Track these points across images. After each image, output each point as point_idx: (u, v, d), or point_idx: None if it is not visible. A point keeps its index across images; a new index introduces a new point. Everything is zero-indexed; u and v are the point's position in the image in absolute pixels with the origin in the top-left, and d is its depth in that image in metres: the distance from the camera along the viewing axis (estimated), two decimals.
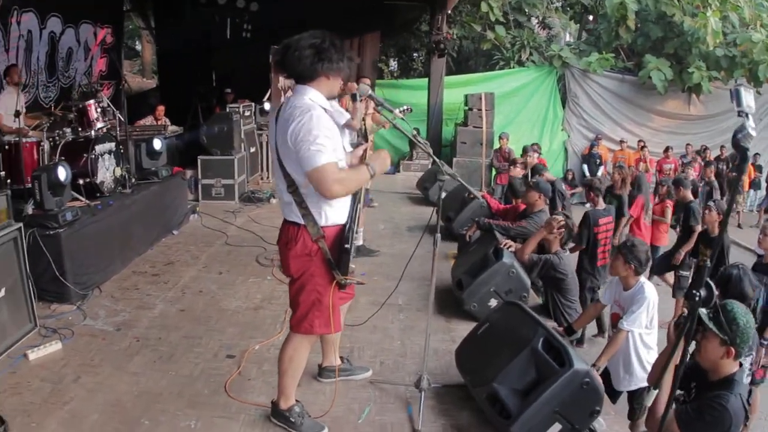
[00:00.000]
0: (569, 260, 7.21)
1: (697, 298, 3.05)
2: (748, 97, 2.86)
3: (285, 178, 4.00)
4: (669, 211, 11.60)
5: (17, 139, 7.77)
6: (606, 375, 5.92)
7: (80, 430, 4.51)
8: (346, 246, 4.03)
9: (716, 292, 3.15)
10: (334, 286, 4.11)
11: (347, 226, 4.08)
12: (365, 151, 4.43)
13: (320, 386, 5.09)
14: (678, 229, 11.13)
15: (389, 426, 4.67)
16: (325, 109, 3.99)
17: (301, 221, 4.01)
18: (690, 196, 11.23)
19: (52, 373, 5.30)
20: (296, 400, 4.48)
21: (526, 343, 4.53)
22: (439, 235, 4.81)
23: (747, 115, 2.84)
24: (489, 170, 17.27)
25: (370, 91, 4.78)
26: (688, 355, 3.59)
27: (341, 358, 5.27)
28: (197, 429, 4.55)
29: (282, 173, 4.01)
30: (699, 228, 9.89)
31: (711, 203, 9.73)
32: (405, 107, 9.71)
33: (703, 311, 3.37)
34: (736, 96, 2.88)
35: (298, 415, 4.42)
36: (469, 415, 4.82)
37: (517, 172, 11.81)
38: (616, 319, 5.92)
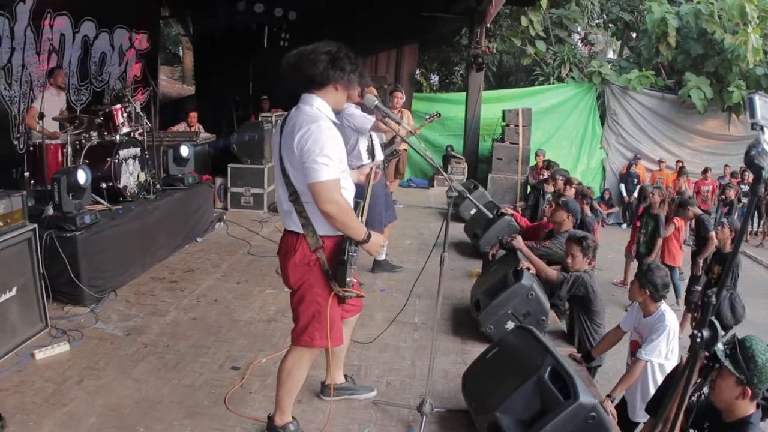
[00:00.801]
0: (597, 280, 7.05)
1: (698, 339, 2.77)
2: (764, 108, 2.61)
3: (287, 187, 3.99)
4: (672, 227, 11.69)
5: (41, 141, 7.82)
6: (623, 405, 5.77)
7: (76, 431, 4.51)
8: (343, 258, 4.00)
9: (721, 333, 2.94)
10: (333, 298, 4.07)
11: (345, 238, 4.03)
12: (372, 169, 4.51)
13: (321, 404, 4.98)
14: (693, 244, 11.39)
15: None
16: (333, 122, 3.98)
17: (301, 230, 4.00)
18: (698, 210, 11.48)
19: (57, 374, 5.31)
20: (293, 417, 4.41)
21: (533, 372, 4.33)
22: (446, 254, 4.71)
23: (762, 128, 2.59)
24: (524, 187, 17.10)
25: (376, 102, 4.73)
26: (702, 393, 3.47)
27: (345, 376, 5.19)
28: None
29: (284, 182, 3.99)
30: (713, 234, 10.01)
31: (724, 220, 9.73)
32: (433, 114, 9.66)
33: (719, 347, 3.17)
34: (749, 106, 2.59)
35: None
36: None
37: (549, 188, 11.57)
38: (635, 347, 5.74)
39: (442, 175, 5.05)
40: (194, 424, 4.65)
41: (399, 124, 5.29)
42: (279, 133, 4.05)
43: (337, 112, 4.25)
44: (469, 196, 4.99)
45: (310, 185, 3.78)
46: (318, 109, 3.96)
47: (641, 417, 5.62)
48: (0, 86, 9.38)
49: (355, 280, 4.17)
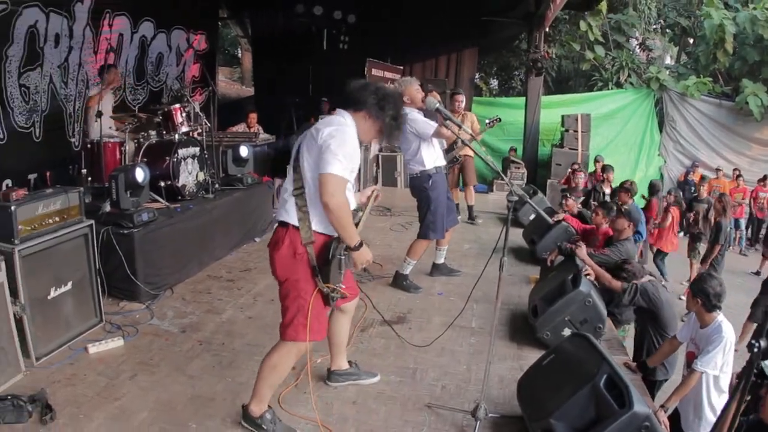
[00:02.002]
0: (663, 290, 6.89)
1: (756, 350, 2.71)
2: None
3: (294, 182, 4.17)
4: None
5: (99, 138, 7.87)
6: (675, 416, 5.69)
7: (127, 425, 4.53)
8: (329, 256, 4.11)
9: None
10: (317, 293, 4.19)
11: (337, 239, 4.15)
12: (373, 191, 4.77)
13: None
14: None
15: None
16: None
17: (293, 222, 4.13)
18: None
19: (110, 368, 5.35)
20: (268, 406, 4.45)
21: (588, 379, 4.29)
22: (505, 259, 4.63)
23: None
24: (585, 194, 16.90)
25: (437, 105, 4.71)
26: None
27: (349, 362, 5.36)
28: None
29: (294, 177, 4.17)
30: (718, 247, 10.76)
31: None
32: (494, 118, 9.55)
33: (766, 363, 3.07)
34: None
35: (270, 421, 4.40)
36: None
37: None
38: (691, 357, 5.62)
39: (503, 179, 5.07)
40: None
41: (460, 127, 5.20)
42: (303, 135, 4.28)
43: (363, 143, 4.52)
44: (529, 200, 4.99)
45: (321, 175, 3.94)
46: (348, 121, 4.23)
47: (693, 429, 5.54)
48: (57, 84, 9.46)
49: (343, 287, 4.25)
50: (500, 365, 5.55)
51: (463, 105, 11.30)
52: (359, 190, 4.75)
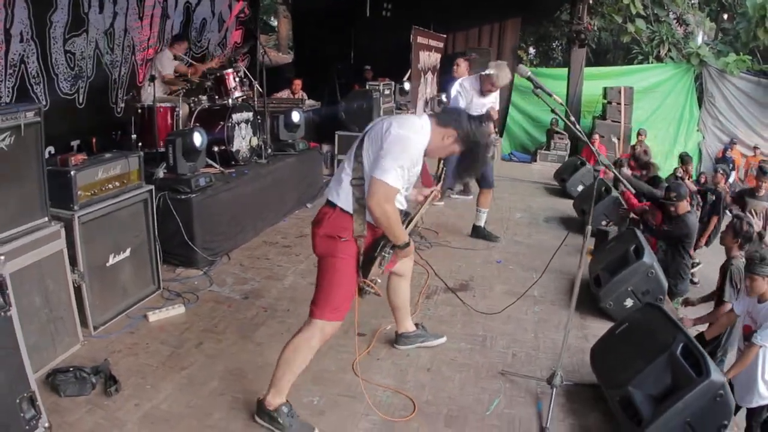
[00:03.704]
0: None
1: None
2: None
3: (354, 172, 3.91)
4: None
5: (151, 103, 7.74)
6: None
7: (196, 395, 4.44)
8: (374, 254, 4.02)
9: None
10: (352, 278, 4.02)
11: (383, 238, 4.04)
12: (431, 192, 4.55)
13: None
14: None
15: (517, 420, 4.43)
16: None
17: (346, 208, 3.92)
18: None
19: (173, 336, 5.27)
20: (286, 400, 4.15)
21: (664, 348, 4.34)
22: (589, 227, 4.67)
23: None
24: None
25: (529, 73, 4.54)
26: None
27: (416, 324, 5.36)
28: (320, 405, 4.45)
29: (354, 165, 3.93)
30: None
31: None
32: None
33: None
34: None
35: (287, 414, 4.07)
36: (597, 417, 4.55)
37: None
38: (747, 331, 5.57)
39: (591, 148, 5.05)
40: (322, 390, 4.59)
41: (551, 96, 4.99)
42: (374, 124, 4.00)
43: (433, 155, 4.24)
44: (616, 172, 5.17)
45: (373, 178, 3.74)
46: (425, 129, 3.94)
47: (746, 401, 5.52)
48: (102, 50, 9.33)
49: (380, 280, 4.13)
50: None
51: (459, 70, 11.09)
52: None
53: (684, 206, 7.67)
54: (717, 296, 6.70)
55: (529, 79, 4.57)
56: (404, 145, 3.75)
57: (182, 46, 9.35)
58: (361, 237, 3.90)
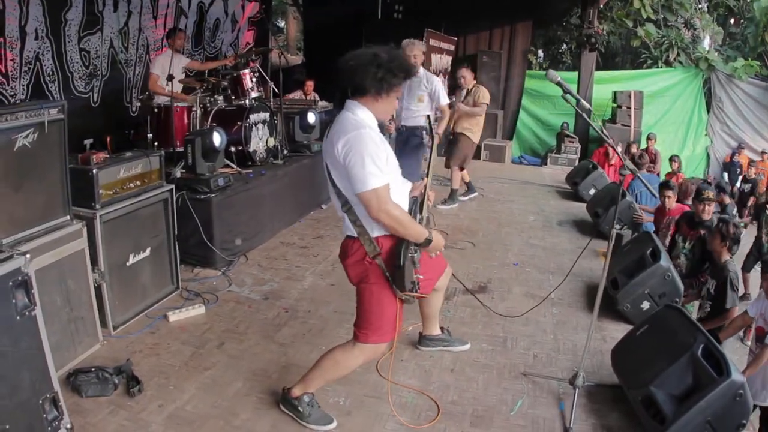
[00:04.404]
0: None
1: None
2: None
3: (338, 197, 3.77)
4: None
5: (168, 103, 7.72)
6: None
7: (221, 396, 4.42)
8: (398, 263, 3.75)
9: None
10: (390, 296, 3.89)
11: (402, 241, 3.78)
12: (425, 186, 4.28)
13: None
14: None
15: (541, 421, 4.42)
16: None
17: (350, 234, 3.86)
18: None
19: (194, 336, 5.25)
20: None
21: (686, 349, 4.38)
22: (615, 229, 4.75)
23: None
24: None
25: (558, 78, 4.46)
26: None
27: (441, 328, 5.33)
28: (346, 406, 4.42)
29: (335, 191, 3.78)
30: None
31: None
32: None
33: None
34: None
35: (308, 404, 4.18)
36: (618, 417, 4.55)
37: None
38: (760, 332, 5.57)
39: (612, 148, 4.98)
40: (348, 390, 4.56)
41: (579, 101, 4.92)
42: (324, 150, 3.85)
43: (386, 119, 4.20)
44: (638, 175, 4.85)
45: (358, 195, 3.58)
46: (359, 114, 3.71)
47: (760, 398, 5.45)
48: (117, 49, 9.33)
49: (422, 277, 3.91)
50: (583, 335, 5.39)
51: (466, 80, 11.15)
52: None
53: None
54: (716, 303, 6.66)
55: (558, 84, 4.51)
56: (356, 147, 3.55)
57: (179, 37, 9.17)
58: (377, 255, 3.79)
